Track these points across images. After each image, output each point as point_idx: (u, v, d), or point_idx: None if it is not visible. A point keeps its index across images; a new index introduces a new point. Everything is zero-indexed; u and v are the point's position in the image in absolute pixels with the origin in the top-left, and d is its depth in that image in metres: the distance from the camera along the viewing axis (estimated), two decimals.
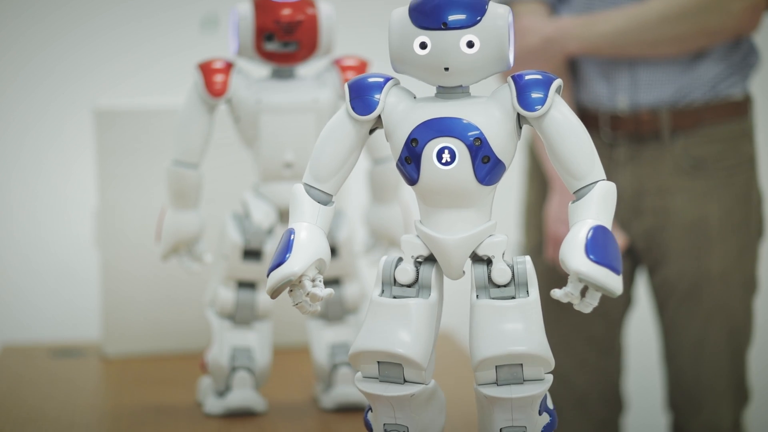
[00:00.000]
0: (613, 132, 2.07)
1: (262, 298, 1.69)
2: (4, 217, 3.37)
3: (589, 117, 2.08)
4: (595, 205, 1.24)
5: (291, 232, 1.27)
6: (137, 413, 1.70)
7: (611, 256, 1.21)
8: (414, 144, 1.25)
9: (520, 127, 1.28)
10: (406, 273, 1.28)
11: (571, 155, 1.25)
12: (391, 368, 1.26)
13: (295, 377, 1.88)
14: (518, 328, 1.24)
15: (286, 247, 1.25)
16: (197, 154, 1.66)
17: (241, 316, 1.69)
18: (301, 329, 1.85)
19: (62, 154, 3.30)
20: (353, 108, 1.28)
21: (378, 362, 1.26)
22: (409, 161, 1.26)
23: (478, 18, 1.23)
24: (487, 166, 1.25)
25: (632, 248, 2.14)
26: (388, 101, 1.28)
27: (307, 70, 1.70)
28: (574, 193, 1.26)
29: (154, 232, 1.72)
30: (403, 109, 1.27)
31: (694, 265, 2.09)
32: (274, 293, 1.25)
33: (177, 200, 1.68)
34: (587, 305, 1.22)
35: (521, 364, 1.24)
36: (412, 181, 1.27)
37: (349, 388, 1.68)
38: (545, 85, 1.25)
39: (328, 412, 1.69)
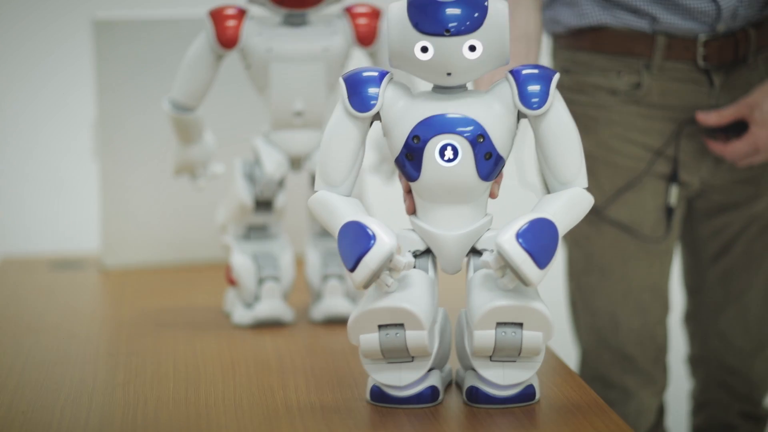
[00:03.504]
0: (706, 62, 1.87)
1: (273, 225, 1.72)
2: (3, 129, 3.36)
3: (684, 44, 1.86)
4: (557, 205, 1.24)
5: (356, 223, 1.22)
6: (136, 324, 1.70)
7: (540, 247, 1.19)
8: (416, 141, 1.24)
9: (518, 121, 1.27)
10: None
11: (559, 159, 1.25)
12: (392, 338, 1.23)
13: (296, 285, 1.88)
14: (519, 289, 1.23)
15: (365, 234, 1.21)
16: (197, 98, 1.66)
17: (255, 237, 1.72)
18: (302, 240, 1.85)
19: (61, 65, 3.28)
20: (351, 105, 1.26)
21: (379, 327, 1.24)
22: (411, 158, 1.25)
23: (481, 21, 1.21)
24: (489, 162, 1.25)
25: None
26: (386, 96, 1.26)
27: (319, 17, 1.67)
28: None
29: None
30: (403, 106, 1.26)
31: None
32: (371, 279, 1.21)
33: (180, 137, 1.70)
34: (503, 284, 1.22)
35: (521, 324, 1.23)
36: (412, 177, 1.26)
37: (335, 300, 1.68)
38: (546, 80, 1.25)
39: (316, 324, 1.69)
